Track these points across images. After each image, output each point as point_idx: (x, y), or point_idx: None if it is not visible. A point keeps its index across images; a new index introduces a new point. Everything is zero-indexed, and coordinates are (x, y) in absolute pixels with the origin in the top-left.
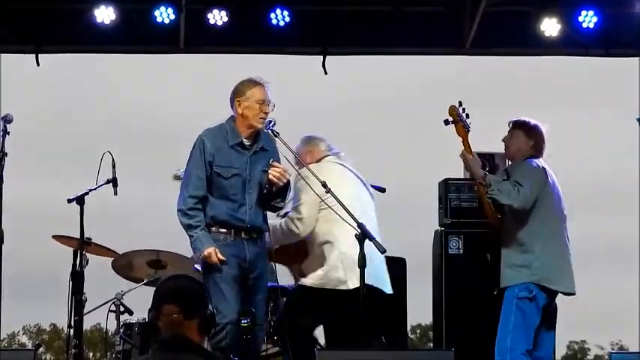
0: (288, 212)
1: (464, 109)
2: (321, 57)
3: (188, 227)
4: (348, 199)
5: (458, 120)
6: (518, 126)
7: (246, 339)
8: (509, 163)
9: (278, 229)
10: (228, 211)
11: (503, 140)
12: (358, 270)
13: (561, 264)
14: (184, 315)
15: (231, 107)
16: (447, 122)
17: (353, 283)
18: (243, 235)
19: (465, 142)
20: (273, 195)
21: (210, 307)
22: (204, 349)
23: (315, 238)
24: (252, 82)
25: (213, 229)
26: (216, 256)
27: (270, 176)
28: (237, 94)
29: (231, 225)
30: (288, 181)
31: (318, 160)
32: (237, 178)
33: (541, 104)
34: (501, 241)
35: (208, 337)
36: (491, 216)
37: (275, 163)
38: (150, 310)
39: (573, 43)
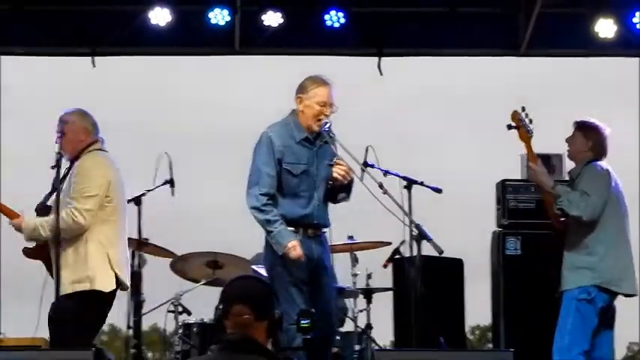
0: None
1: (526, 114)
2: (377, 58)
3: (267, 222)
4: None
5: (520, 125)
6: (578, 127)
7: (306, 340)
8: (570, 163)
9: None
10: (298, 209)
11: (566, 140)
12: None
13: (624, 265)
14: (255, 316)
15: (295, 100)
16: (509, 127)
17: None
18: (309, 232)
19: (528, 147)
20: (337, 191)
21: (277, 311)
22: (271, 351)
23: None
24: (318, 82)
25: None
26: (299, 251)
27: (335, 174)
28: (301, 89)
29: (301, 223)
30: (352, 178)
31: (89, 145)
32: (305, 173)
33: (596, 105)
34: (564, 243)
35: (274, 339)
36: (555, 219)
37: (339, 161)
38: (217, 308)
39: (629, 44)
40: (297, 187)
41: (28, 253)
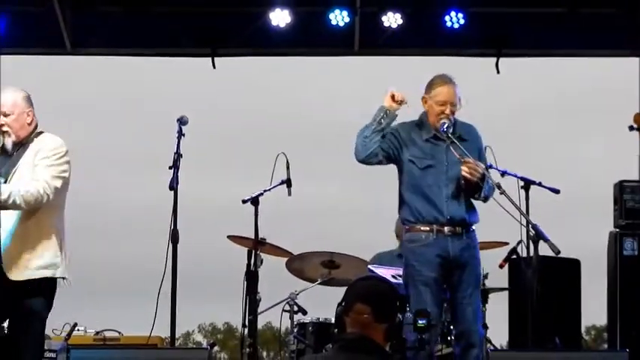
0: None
1: None
2: (495, 58)
3: (363, 131)
4: None
5: None
6: None
7: (421, 339)
8: None
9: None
10: (428, 207)
11: None
12: None
13: None
14: (375, 317)
15: (421, 100)
16: (631, 128)
17: None
18: (446, 231)
19: None
20: (471, 189)
21: (399, 315)
22: (388, 352)
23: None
24: (439, 81)
25: (414, 226)
26: (395, 94)
27: (463, 173)
28: (426, 89)
29: (433, 221)
30: (483, 175)
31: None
32: (432, 169)
33: None
34: None
35: (393, 343)
36: None
37: (466, 159)
38: (339, 304)
39: None
40: (422, 182)
41: None
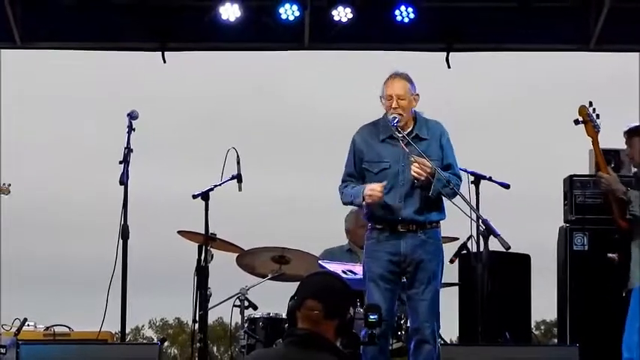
0: None
1: (594, 110)
2: (445, 53)
3: (342, 195)
4: None
5: (588, 120)
6: (633, 133)
7: (372, 334)
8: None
9: None
10: (381, 208)
11: (626, 154)
12: None
13: None
14: (325, 314)
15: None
16: (577, 122)
17: None
18: (400, 229)
19: (595, 143)
20: (423, 188)
21: (351, 311)
22: (339, 348)
23: None
24: (388, 77)
25: (370, 224)
26: (377, 189)
27: (412, 172)
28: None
29: (386, 220)
30: (432, 174)
31: None
32: (387, 172)
33: None
34: (632, 240)
35: (344, 339)
36: (620, 219)
37: (414, 158)
38: (291, 299)
39: None
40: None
41: None
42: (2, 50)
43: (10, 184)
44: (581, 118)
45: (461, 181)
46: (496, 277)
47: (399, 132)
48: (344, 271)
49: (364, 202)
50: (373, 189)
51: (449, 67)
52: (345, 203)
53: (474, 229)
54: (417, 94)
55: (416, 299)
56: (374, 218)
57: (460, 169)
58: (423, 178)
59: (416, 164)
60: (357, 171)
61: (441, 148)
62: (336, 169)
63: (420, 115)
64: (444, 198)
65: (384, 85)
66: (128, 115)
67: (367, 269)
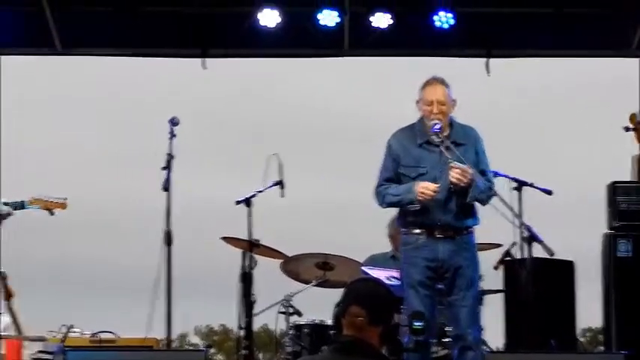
0: None
1: None
2: (485, 59)
3: (383, 196)
4: None
5: (638, 127)
6: None
7: (417, 342)
8: None
9: None
10: (418, 213)
11: None
12: None
13: None
14: (369, 320)
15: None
16: (627, 129)
17: None
18: (437, 234)
19: None
20: (460, 194)
21: (395, 317)
22: (384, 355)
23: None
24: (427, 82)
25: (407, 230)
26: (430, 187)
27: (451, 178)
28: (418, 93)
29: (424, 225)
30: (471, 180)
31: None
32: (425, 177)
33: None
34: None
35: (389, 345)
36: None
37: (454, 164)
38: (337, 305)
39: None
40: None
41: None
42: (44, 57)
43: (66, 198)
44: (631, 125)
45: (494, 187)
46: (540, 284)
47: (439, 137)
48: (387, 278)
49: (417, 198)
50: (426, 187)
51: (488, 73)
52: (388, 204)
53: (518, 235)
54: (454, 100)
55: (457, 306)
56: (411, 223)
57: (502, 175)
58: (463, 185)
59: (457, 170)
60: (395, 175)
61: (476, 153)
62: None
63: (455, 120)
64: (476, 204)
65: (422, 89)
66: (169, 121)
67: (406, 275)
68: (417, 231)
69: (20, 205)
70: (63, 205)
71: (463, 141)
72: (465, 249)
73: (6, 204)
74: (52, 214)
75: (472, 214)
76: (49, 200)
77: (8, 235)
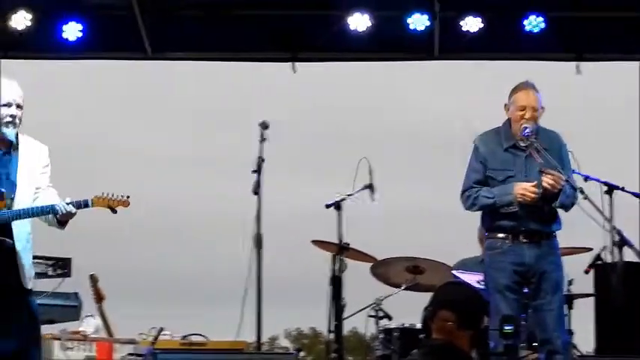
0: None
1: None
2: (575, 63)
3: (474, 199)
4: None
5: None
6: None
7: (507, 345)
8: None
9: None
10: (504, 216)
11: None
12: None
13: None
14: (458, 325)
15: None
16: None
17: None
18: (522, 239)
19: None
20: (548, 199)
21: (485, 321)
22: (474, 359)
23: None
24: (517, 87)
25: (492, 234)
26: (530, 188)
27: (544, 184)
28: (508, 96)
29: (509, 229)
30: (562, 187)
31: None
32: (511, 180)
33: None
34: None
35: (479, 349)
36: None
37: (547, 170)
38: (426, 309)
39: None
40: None
41: None
42: (135, 61)
43: (128, 197)
44: None
45: (577, 192)
46: (631, 288)
47: (529, 140)
48: (478, 282)
49: (517, 200)
50: (526, 188)
51: (579, 73)
52: (480, 207)
53: (608, 239)
54: (544, 107)
55: (544, 310)
56: (497, 228)
57: (592, 179)
58: (556, 191)
59: (550, 176)
60: (484, 178)
61: (560, 159)
62: None
63: (539, 125)
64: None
65: (514, 94)
66: (260, 125)
67: (492, 280)
68: (502, 235)
69: (84, 204)
70: (125, 203)
71: (547, 146)
72: (550, 253)
73: (69, 203)
74: (114, 212)
75: (556, 218)
76: (112, 199)
77: (100, 239)
